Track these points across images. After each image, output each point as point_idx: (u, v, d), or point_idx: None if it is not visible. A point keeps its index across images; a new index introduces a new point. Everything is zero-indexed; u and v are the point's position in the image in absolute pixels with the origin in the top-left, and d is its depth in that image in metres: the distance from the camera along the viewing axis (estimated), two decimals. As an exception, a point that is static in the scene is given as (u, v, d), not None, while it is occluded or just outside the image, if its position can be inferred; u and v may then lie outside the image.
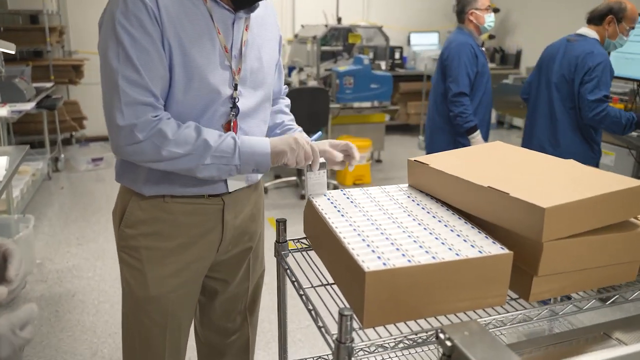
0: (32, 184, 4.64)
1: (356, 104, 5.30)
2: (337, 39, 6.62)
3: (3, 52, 3.75)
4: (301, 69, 5.67)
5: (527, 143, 3.15)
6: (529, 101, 3.24)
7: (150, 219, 1.42)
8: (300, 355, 2.64)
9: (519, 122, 7.04)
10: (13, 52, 3.30)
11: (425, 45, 7.84)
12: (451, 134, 3.33)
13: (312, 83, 5.32)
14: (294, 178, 5.18)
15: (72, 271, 3.49)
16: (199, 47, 1.30)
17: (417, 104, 7.27)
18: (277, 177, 5.26)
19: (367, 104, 5.34)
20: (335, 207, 1.25)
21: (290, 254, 1.32)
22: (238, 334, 1.72)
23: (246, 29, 1.40)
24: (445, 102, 3.29)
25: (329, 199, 1.31)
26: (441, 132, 3.40)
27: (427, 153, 3.41)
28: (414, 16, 8.17)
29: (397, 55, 7.49)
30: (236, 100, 1.38)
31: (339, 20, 6.36)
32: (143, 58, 1.24)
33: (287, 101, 1.74)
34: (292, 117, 1.70)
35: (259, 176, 1.57)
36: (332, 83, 5.37)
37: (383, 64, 6.59)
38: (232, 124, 1.38)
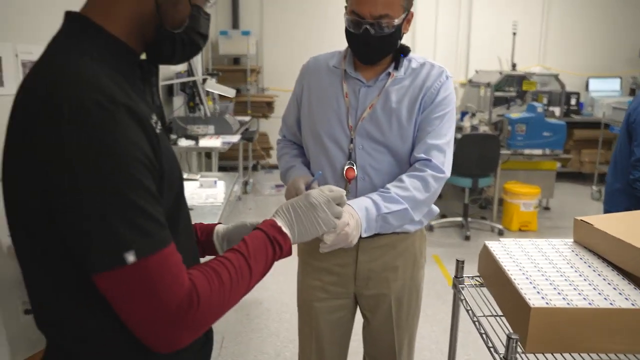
0: (229, 204, 5.41)
1: (527, 151, 5.37)
2: (511, 84, 6.70)
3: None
4: (473, 114, 5.88)
5: None
6: None
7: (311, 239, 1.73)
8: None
9: None
10: (233, 97, 3.99)
11: (605, 92, 7.52)
12: (631, 196, 3.16)
13: (483, 128, 5.50)
14: (459, 219, 5.37)
15: (260, 283, 4.04)
16: (323, 105, 1.72)
17: (592, 152, 7.04)
18: (443, 216, 5.49)
19: (538, 152, 5.38)
20: (507, 253, 1.52)
21: (466, 288, 1.61)
22: None
23: (378, 96, 1.65)
24: (628, 164, 3.14)
25: (502, 246, 1.58)
26: (620, 193, 3.26)
27: (605, 211, 3.39)
28: (594, 60, 7.92)
29: (572, 101, 7.31)
30: (352, 151, 1.67)
31: (514, 66, 6.44)
32: (289, 104, 1.87)
33: (423, 172, 1.60)
34: (402, 186, 1.58)
35: (401, 228, 1.66)
36: (504, 129, 5.50)
37: (557, 110, 6.53)
38: (348, 171, 1.66)
